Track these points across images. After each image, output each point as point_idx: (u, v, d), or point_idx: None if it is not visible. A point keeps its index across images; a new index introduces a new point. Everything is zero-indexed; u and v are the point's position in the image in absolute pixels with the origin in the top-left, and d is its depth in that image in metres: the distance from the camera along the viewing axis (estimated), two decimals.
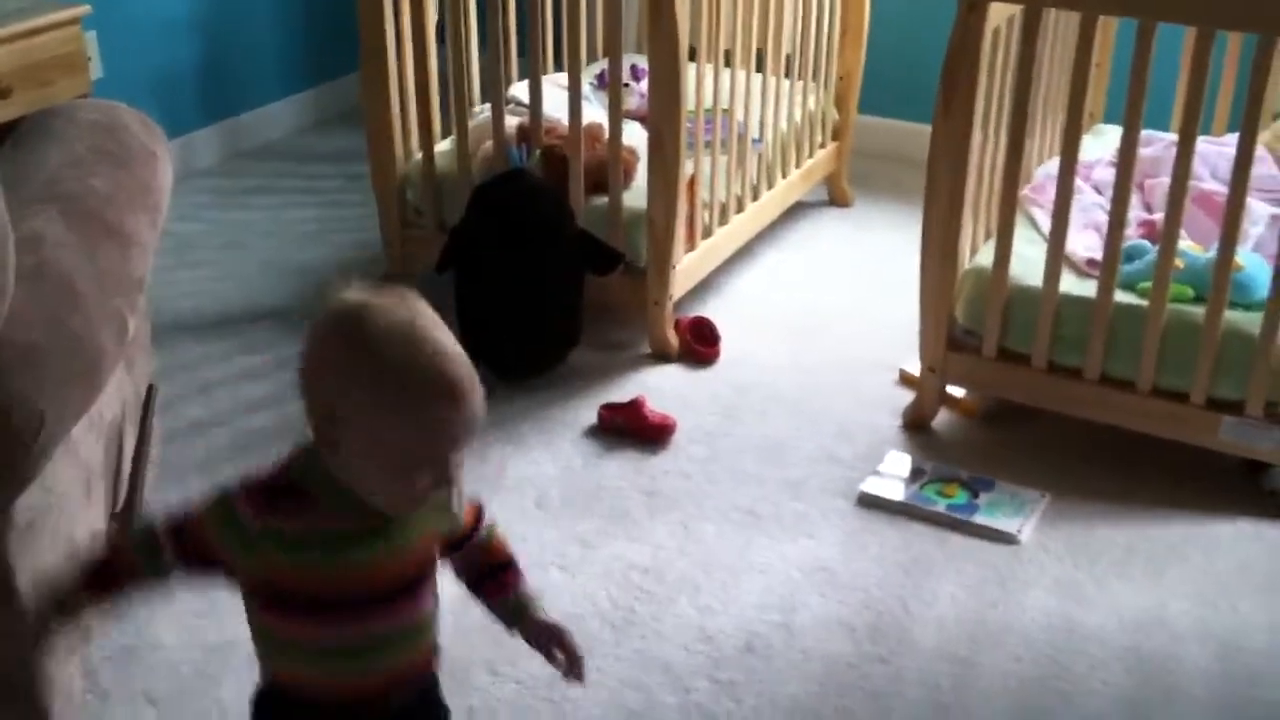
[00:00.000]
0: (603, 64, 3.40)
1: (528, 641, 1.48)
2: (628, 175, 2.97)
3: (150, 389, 2.25)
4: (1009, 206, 2.53)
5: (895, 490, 2.51)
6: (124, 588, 1.39)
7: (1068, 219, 2.49)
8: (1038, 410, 2.67)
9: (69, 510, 1.73)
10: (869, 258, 3.50)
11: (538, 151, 2.97)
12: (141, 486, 2.05)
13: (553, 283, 2.83)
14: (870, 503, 2.49)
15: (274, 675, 1.42)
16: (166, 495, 2.39)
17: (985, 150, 2.63)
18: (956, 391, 2.76)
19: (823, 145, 3.65)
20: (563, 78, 3.15)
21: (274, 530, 1.30)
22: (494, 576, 1.50)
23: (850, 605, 2.22)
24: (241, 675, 2.01)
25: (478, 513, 1.49)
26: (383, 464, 1.28)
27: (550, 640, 1.47)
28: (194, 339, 3.05)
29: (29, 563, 1.59)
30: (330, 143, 4.24)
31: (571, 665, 1.47)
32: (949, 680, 2.06)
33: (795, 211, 3.66)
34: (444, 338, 1.31)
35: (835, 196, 3.84)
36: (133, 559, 1.37)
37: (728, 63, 3.21)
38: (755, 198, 3.32)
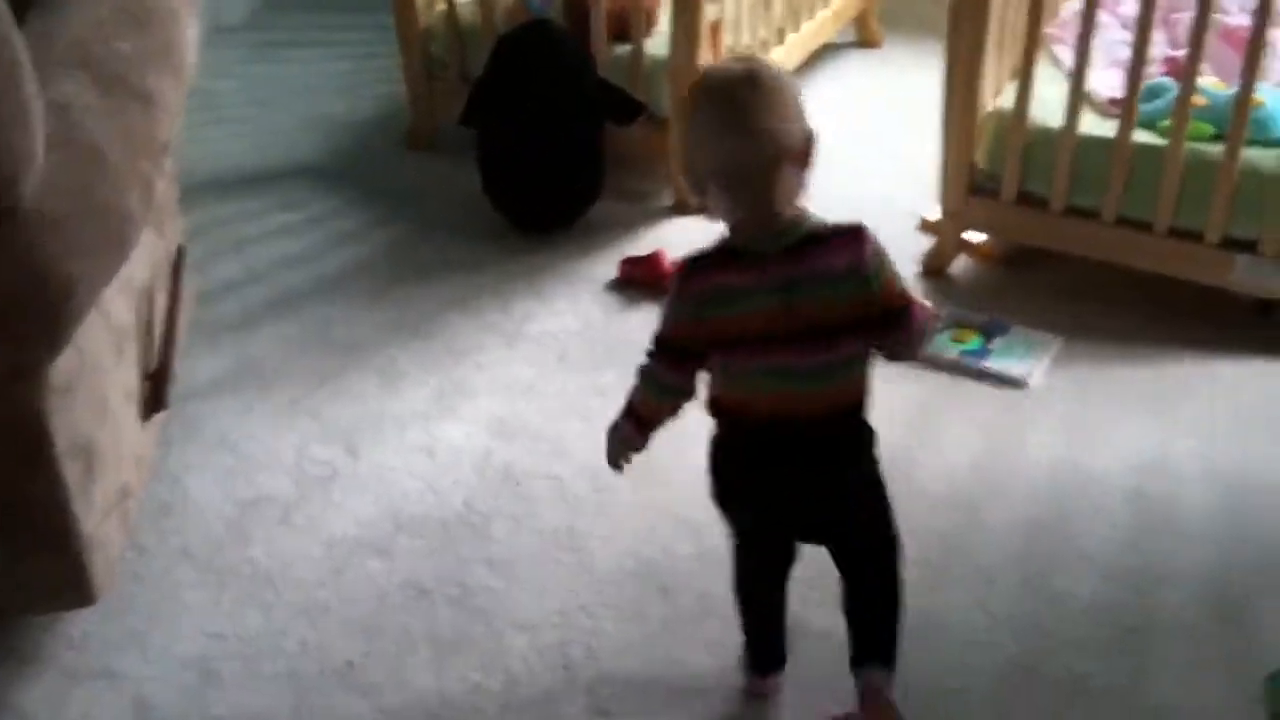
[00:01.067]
0: None
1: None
2: (650, 22, 2.96)
3: (179, 250, 2.32)
4: (1031, 45, 2.51)
5: None
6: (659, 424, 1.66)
7: (1088, 57, 2.46)
8: (1056, 254, 2.68)
9: (102, 372, 1.80)
10: (896, 99, 3.48)
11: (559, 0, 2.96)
12: (174, 347, 2.13)
13: (574, 132, 2.85)
14: None
15: (728, 408, 1.61)
16: (198, 356, 2.49)
17: None
18: (976, 237, 2.78)
19: None
20: None
21: (709, 295, 1.54)
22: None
23: None
24: (272, 530, 2.12)
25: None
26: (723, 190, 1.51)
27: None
28: (227, 197, 3.11)
29: (66, 421, 1.67)
30: None
31: None
32: (956, 528, 2.12)
33: (824, 53, 3.63)
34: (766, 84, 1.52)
35: (864, 37, 3.79)
36: (658, 405, 1.64)
37: None
38: (781, 41, 3.29)
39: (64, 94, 1.78)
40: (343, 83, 3.67)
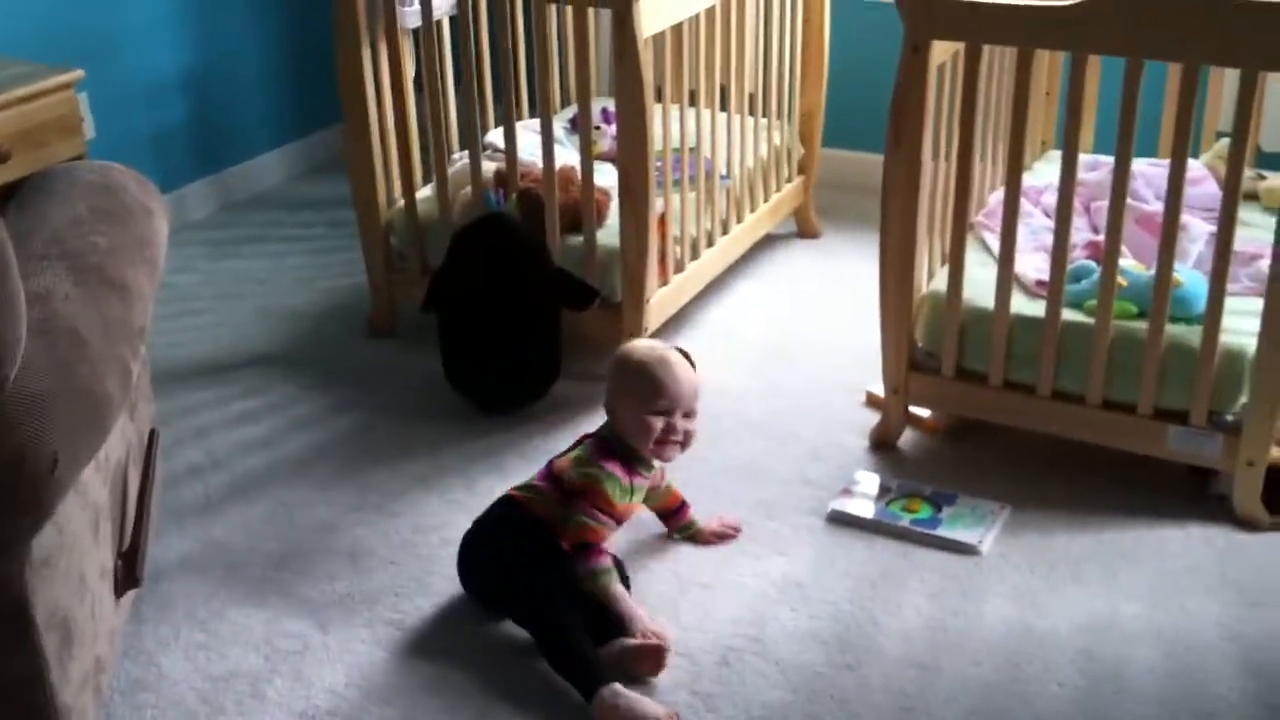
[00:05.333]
0: (574, 109, 3.55)
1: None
2: (601, 215, 3.11)
3: (152, 433, 2.38)
4: (959, 233, 2.67)
5: (863, 508, 2.64)
6: None
7: (1014, 243, 2.62)
8: (997, 425, 2.80)
9: (80, 548, 1.84)
10: (837, 285, 3.65)
11: (514, 195, 3.11)
12: (146, 527, 2.17)
13: (532, 319, 2.96)
14: (840, 520, 2.62)
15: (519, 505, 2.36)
16: (165, 537, 2.53)
17: (939, 178, 2.77)
18: (921, 411, 2.90)
19: (789, 179, 3.80)
20: (536, 123, 3.30)
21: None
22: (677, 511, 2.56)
23: (821, 618, 2.34)
24: (245, 703, 2.14)
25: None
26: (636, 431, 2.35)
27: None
28: (191, 385, 3.18)
29: (45, 597, 1.71)
30: (318, 191, 4.39)
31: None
32: (913, 686, 2.18)
33: (765, 244, 3.81)
34: (664, 349, 2.43)
35: (804, 228, 3.98)
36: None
37: (693, 102, 3.36)
38: (725, 232, 3.46)
39: (44, 285, 1.87)
40: (302, 275, 3.79)
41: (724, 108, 3.41)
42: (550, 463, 2.42)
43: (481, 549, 2.34)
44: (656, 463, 2.42)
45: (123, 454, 2.13)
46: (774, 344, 3.35)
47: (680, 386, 2.36)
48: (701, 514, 2.61)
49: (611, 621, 2.22)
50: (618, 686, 2.07)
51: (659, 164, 3.06)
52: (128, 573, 2.05)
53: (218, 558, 2.52)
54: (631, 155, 2.92)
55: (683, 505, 2.55)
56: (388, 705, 2.14)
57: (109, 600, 1.97)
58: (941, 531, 2.55)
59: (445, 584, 2.42)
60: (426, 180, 3.36)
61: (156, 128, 4.00)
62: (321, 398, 3.12)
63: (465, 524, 2.40)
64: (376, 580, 2.45)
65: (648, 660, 2.18)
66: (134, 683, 2.18)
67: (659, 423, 2.34)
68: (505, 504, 2.37)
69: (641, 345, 2.46)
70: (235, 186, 4.31)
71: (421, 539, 2.55)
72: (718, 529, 2.57)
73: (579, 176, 3.07)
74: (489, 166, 3.22)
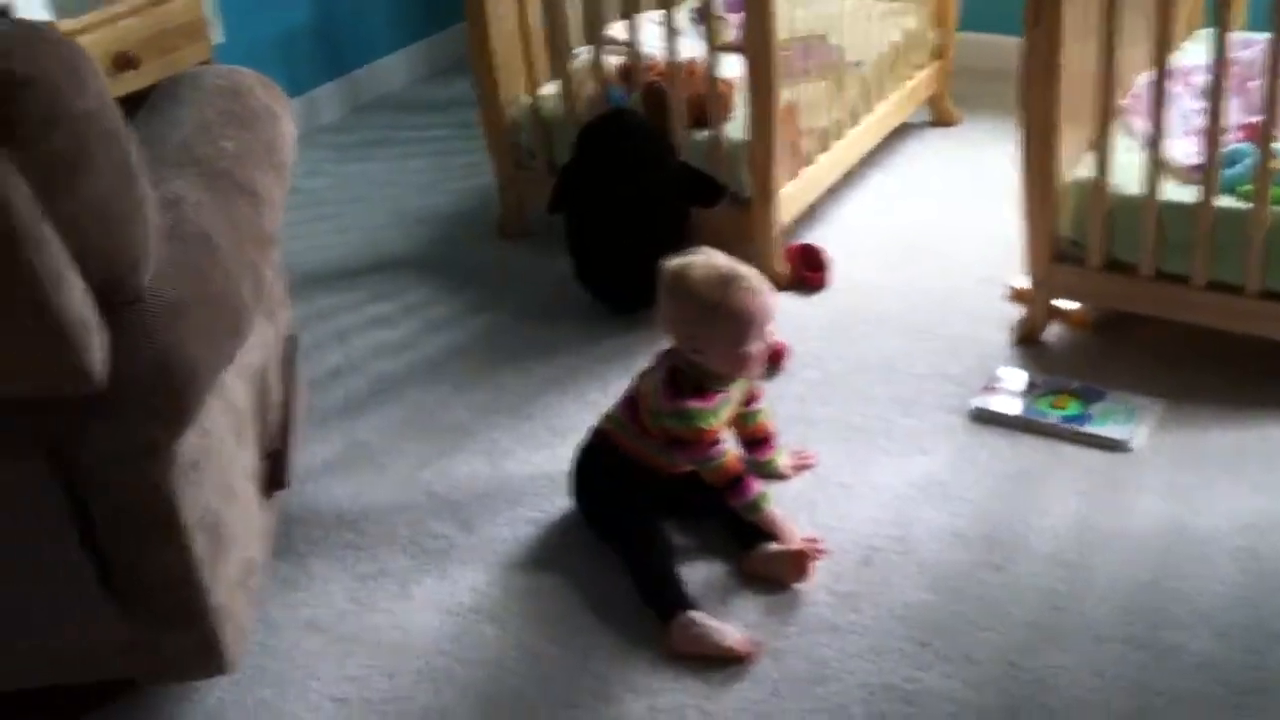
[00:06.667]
0: None
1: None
2: (726, 107, 3.03)
3: (291, 338, 2.40)
4: (1105, 116, 2.54)
5: (1008, 405, 2.56)
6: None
7: (1162, 126, 2.49)
8: (1147, 318, 2.69)
9: (225, 451, 1.87)
10: (975, 175, 3.52)
11: (638, 90, 3.04)
12: (292, 430, 2.20)
13: (659, 217, 2.91)
14: (982, 418, 2.55)
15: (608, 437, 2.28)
16: (311, 441, 2.56)
17: (1082, 61, 2.64)
18: (1067, 304, 2.79)
19: (923, 66, 3.67)
20: (659, 15, 3.21)
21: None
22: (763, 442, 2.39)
23: (964, 517, 2.29)
24: (394, 601, 2.17)
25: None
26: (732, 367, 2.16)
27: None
28: (326, 290, 3.21)
29: (193, 499, 1.73)
30: (444, 92, 4.37)
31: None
32: (1063, 585, 2.12)
33: (900, 133, 3.69)
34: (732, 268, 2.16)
35: (940, 116, 3.85)
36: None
37: None
38: (856, 122, 3.36)
39: (175, 191, 1.87)
40: (431, 178, 3.79)
41: None
42: (633, 390, 2.27)
43: (580, 478, 2.31)
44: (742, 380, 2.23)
45: (262, 359, 2.15)
46: (910, 238, 3.25)
47: (768, 302, 2.15)
48: (838, 417, 2.56)
49: (758, 530, 2.19)
50: (695, 614, 2.04)
51: (785, 53, 2.96)
52: (274, 475, 2.07)
53: (362, 459, 2.55)
54: (757, 45, 2.83)
55: (769, 437, 2.38)
56: (530, 603, 2.16)
57: (257, 503, 2.00)
58: (1091, 428, 2.47)
59: None
60: (552, 78, 3.31)
61: (283, 31, 4.00)
62: (453, 300, 3.12)
63: None
64: (515, 481, 2.45)
65: (792, 565, 2.15)
66: (285, 583, 2.23)
67: (756, 348, 2.15)
68: (597, 437, 2.31)
69: (709, 273, 2.14)
70: (362, 89, 4.31)
71: (558, 440, 2.55)
72: (794, 462, 2.43)
73: (703, 68, 2.99)
74: (612, 61, 3.16)
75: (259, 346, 2.13)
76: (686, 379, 2.17)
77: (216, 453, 1.83)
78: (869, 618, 2.08)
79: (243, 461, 1.96)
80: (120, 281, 1.63)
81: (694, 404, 2.15)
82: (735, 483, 2.17)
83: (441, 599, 2.18)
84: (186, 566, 1.73)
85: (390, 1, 4.38)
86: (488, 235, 3.41)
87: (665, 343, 2.24)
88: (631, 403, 2.25)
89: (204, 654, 1.80)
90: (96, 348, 1.57)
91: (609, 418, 2.30)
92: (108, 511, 1.68)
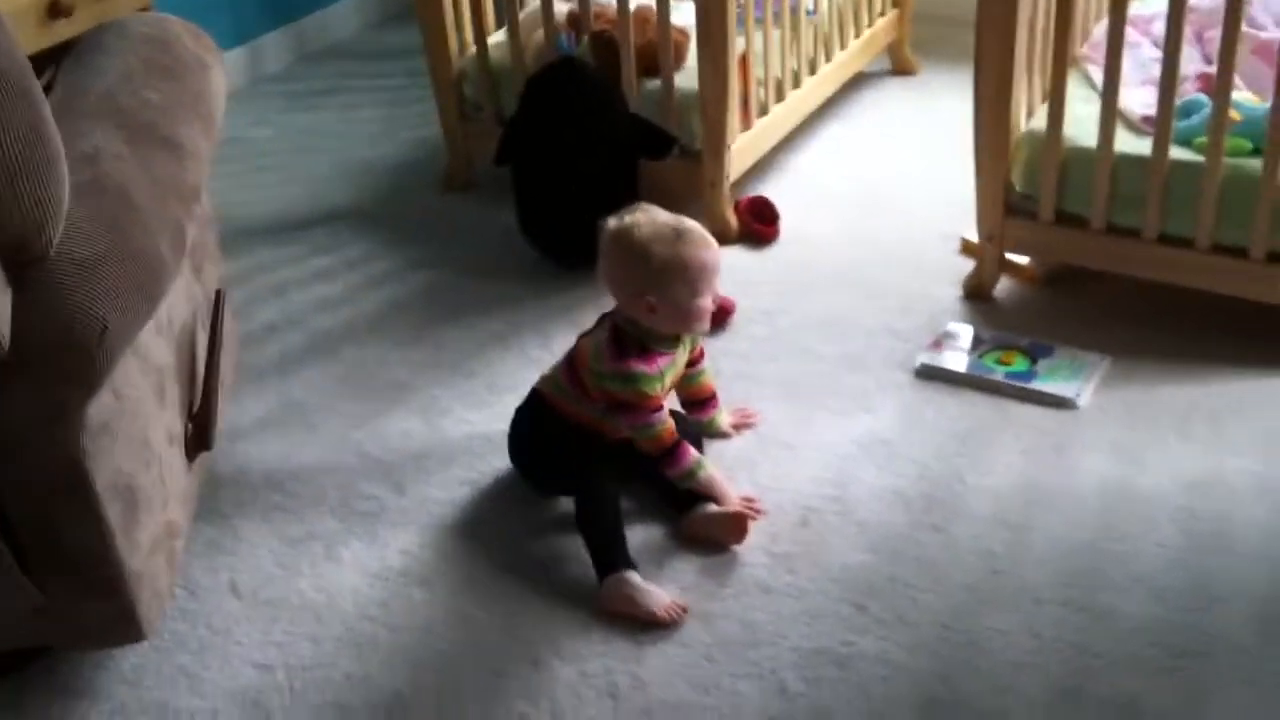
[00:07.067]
0: None
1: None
2: (679, 56, 2.96)
3: (219, 293, 2.34)
4: (1060, 66, 2.49)
5: (955, 361, 2.52)
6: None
7: (1119, 75, 2.44)
8: (1099, 273, 2.65)
9: (144, 413, 1.82)
10: (933, 126, 3.47)
11: (587, 38, 2.97)
12: (217, 390, 2.14)
13: (608, 168, 2.85)
14: (929, 374, 2.51)
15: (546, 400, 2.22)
16: (243, 398, 2.51)
17: (1038, 8, 2.58)
18: (1019, 259, 2.75)
19: (882, 13, 3.60)
20: None
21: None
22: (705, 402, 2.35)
23: (906, 476, 2.26)
24: (320, 565, 2.13)
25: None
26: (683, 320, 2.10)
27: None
28: (268, 242, 3.14)
29: (105, 464, 1.68)
30: (395, 40, 4.29)
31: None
32: (1003, 546, 2.09)
33: (856, 83, 3.63)
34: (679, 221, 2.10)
35: (898, 65, 3.79)
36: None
37: None
38: (812, 72, 3.30)
39: (93, 144, 1.81)
40: (377, 129, 3.71)
41: None
42: (573, 351, 2.20)
43: (519, 442, 2.26)
44: (686, 340, 2.20)
45: (189, 316, 2.09)
46: (864, 190, 3.20)
47: (718, 255, 2.10)
48: (784, 374, 2.53)
49: (696, 493, 2.15)
50: (630, 574, 2.01)
51: (739, 0, 2.90)
52: (199, 436, 2.02)
53: (295, 418, 2.50)
54: None
55: (710, 396, 2.33)
56: (461, 566, 2.12)
57: (179, 464, 1.95)
58: (1037, 384, 2.43)
59: None
60: (499, 26, 3.24)
61: None
62: (396, 254, 3.06)
63: None
64: (451, 441, 2.41)
65: (730, 527, 2.11)
66: (210, 545, 2.18)
67: (708, 300, 2.10)
68: (535, 399, 2.24)
69: (658, 229, 2.07)
70: (311, 37, 4.22)
71: (497, 398, 2.50)
72: (736, 420, 2.39)
73: (655, 15, 2.92)
74: (561, 9, 3.09)
75: (185, 303, 2.07)
76: (630, 339, 2.11)
77: (132, 414, 1.77)
78: (805, 580, 2.05)
79: (165, 422, 1.91)
80: (25, 242, 1.57)
81: (638, 366, 2.09)
82: (670, 453, 2.12)
83: (370, 562, 2.13)
84: (100, 533, 1.68)
85: None
86: (434, 187, 3.35)
87: (610, 301, 2.18)
88: (571, 365, 2.20)
89: (121, 621, 1.75)
90: None
91: (548, 379, 2.25)
92: (16, 478, 1.63)
